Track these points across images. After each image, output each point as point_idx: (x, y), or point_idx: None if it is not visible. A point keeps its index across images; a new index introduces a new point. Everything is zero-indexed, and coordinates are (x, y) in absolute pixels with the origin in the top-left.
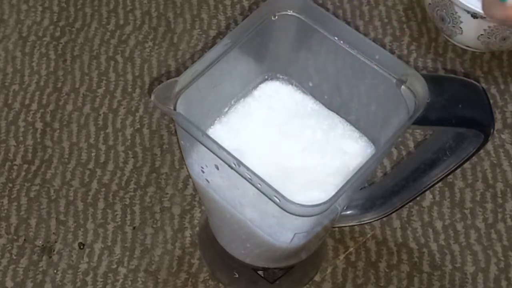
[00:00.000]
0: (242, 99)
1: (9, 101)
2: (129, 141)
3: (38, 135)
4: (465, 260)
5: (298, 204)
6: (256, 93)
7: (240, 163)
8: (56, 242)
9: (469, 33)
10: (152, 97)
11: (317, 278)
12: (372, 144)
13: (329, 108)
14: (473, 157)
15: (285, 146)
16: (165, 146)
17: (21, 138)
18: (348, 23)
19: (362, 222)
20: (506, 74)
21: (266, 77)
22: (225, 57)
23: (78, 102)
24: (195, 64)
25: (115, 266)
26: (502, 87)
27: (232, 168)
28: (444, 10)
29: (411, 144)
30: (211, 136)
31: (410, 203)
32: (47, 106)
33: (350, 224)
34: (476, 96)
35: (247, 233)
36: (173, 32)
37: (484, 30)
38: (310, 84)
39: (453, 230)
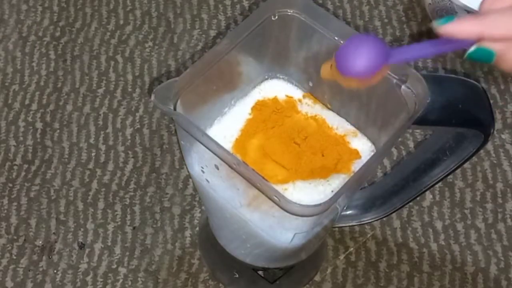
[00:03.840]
0: (242, 99)
1: (9, 101)
2: (129, 141)
3: (38, 135)
4: (465, 260)
5: (298, 204)
6: (256, 93)
7: (240, 163)
8: (56, 242)
9: None
10: (152, 97)
11: (317, 278)
12: (372, 144)
13: (329, 108)
14: (473, 157)
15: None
16: (165, 146)
17: (21, 138)
18: (348, 23)
19: (362, 222)
20: (506, 74)
21: (266, 77)
22: (225, 57)
23: (78, 102)
24: (195, 64)
25: (115, 266)
26: (502, 87)
27: (232, 168)
28: (444, 10)
29: (411, 144)
30: (211, 136)
31: (410, 203)
32: (47, 106)
33: (350, 224)
34: (476, 96)
35: (247, 233)
36: (173, 32)
37: None
38: (310, 84)
39: (453, 230)
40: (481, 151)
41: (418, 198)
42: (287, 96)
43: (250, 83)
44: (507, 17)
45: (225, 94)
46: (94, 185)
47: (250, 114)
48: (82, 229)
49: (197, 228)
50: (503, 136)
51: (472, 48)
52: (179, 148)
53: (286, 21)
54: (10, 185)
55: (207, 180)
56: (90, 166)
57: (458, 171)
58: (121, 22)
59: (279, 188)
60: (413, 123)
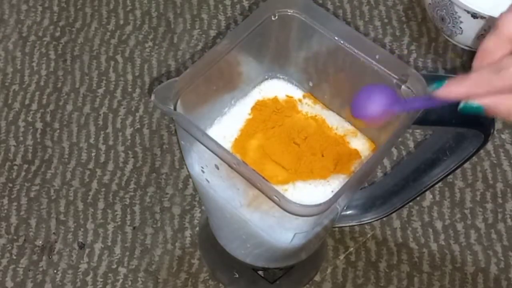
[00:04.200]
0: (242, 99)
1: (9, 101)
2: (129, 141)
3: (38, 135)
4: (465, 260)
5: (298, 204)
6: (256, 93)
7: (240, 163)
8: (56, 242)
9: (469, 33)
10: (152, 97)
11: (317, 278)
12: (372, 144)
13: (329, 108)
14: (473, 157)
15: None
16: (165, 146)
17: (21, 138)
18: (348, 23)
19: (362, 222)
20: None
21: (266, 77)
22: (225, 57)
23: (78, 102)
24: (195, 64)
25: (115, 266)
26: None
27: (232, 168)
28: (444, 10)
29: (411, 144)
30: (211, 136)
31: (410, 203)
32: (47, 106)
33: (350, 224)
34: None
35: (247, 233)
36: (173, 32)
37: (484, 30)
38: (310, 84)
39: (453, 230)
40: (481, 151)
41: (418, 198)
42: (287, 96)
43: (250, 83)
44: (486, 74)
45: (225, 94)
46: (94, 185)
47: (250, 114)
48: (82, 229)
49: (197, 228)
50: (503, 136)
51: (461, 105)
52: (179, 148)
53: (286, 21)
54: (10, 185)
55: (207, 180)
56: (90, 166)
57: (458, 171)
58: (121, 22)
59: (279, 188)
60: (413, 123)
